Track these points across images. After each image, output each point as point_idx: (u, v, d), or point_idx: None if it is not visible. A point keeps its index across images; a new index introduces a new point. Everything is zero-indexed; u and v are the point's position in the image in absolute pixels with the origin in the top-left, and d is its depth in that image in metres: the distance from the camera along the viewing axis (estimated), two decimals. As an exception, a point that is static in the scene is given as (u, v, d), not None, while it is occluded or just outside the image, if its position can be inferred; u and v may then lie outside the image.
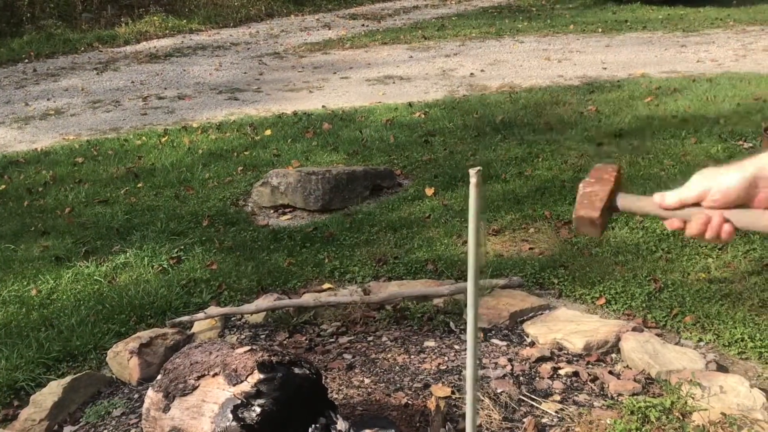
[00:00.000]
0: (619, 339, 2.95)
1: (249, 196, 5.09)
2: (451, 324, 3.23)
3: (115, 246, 4.33)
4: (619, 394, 2.66)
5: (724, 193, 1.15)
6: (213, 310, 3.40)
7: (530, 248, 3.95)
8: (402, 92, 8.07)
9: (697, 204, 1.18)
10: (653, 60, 8.94)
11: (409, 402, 2.66)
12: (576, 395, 2.69)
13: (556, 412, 2.59)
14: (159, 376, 2.34)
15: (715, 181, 1.16)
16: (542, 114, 6.61)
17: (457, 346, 3.07)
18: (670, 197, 1.19)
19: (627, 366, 2.84)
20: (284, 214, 4.82)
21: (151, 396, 2.29)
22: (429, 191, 4.86)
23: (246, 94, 8.59)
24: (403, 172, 5.36)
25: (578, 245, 3.93)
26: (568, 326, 3.07)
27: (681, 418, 2.47)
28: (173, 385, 2.24)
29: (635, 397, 2.61)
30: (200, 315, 3.35)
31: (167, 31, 13.65)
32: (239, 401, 2.11)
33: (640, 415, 2.48)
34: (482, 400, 2.63)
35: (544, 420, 2.55)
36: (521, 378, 2.81)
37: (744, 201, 1.15)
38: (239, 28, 14.19)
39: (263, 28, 14.03)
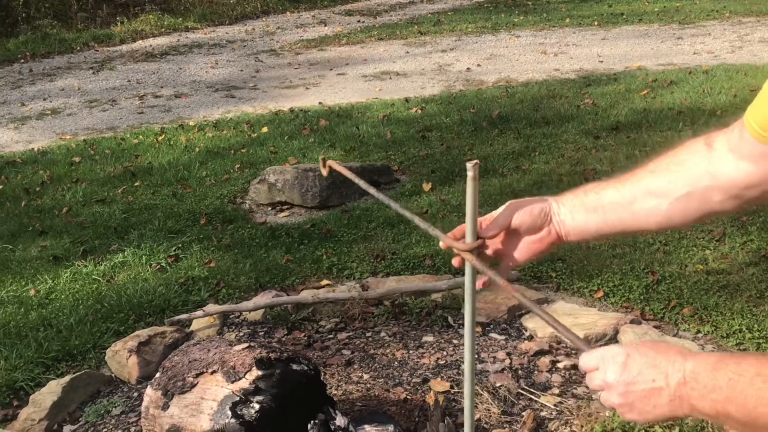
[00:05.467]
0: (617, 332, 2.96)
1: (246, 194, 5.09)
2: (450, 319, 3.24)
3: (113, 245, 4.33)
4: (618, 387, 2.66)
5: (521, 221, 1.27)
6: (211, 307, 3.40)
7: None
8: (398, 88, 8.07)
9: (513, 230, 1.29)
10: (649, 52, 8.93)
11: (408, 397, 2.66)
12: (575, 388, 2.70)
13: (555, 405, 2.59)
14: (158, 374, 2.35)
15: (521, 210, 1.28)
16: (539, 108, 6.60)
17: (455, 341, 3.07)
18: (491, 229, 1.27)
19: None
20: (282, 211, 4.82)
21: (150, 394, 2.29)
22: (426, 186, 4.86)
23: (242, 91, 8.58)
24: (400, 168, 5.36)
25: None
26: (566, 319, 3.07)
27: (679, 409, 2.47)
28: (172, 383, 2.24)
29: (634, 389, 2.61)
30: (199, 313, 3.35)
31: (163, 30, 13.62)
32: (238, 398, 2.11)
33: (638, 407, 2.48)
34: (481, 394, 2.63)
35: (543, 413, 2.56)
36: (520, 372, 2.82)
37: (534, 229, 1.28)
38: (235, 26, 14.16)
39: (259, 26, 14.01)
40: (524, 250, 1.31)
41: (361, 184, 1.37)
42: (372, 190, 1.36)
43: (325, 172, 1.42)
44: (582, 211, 1.26)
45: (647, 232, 1.30)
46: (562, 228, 1.28)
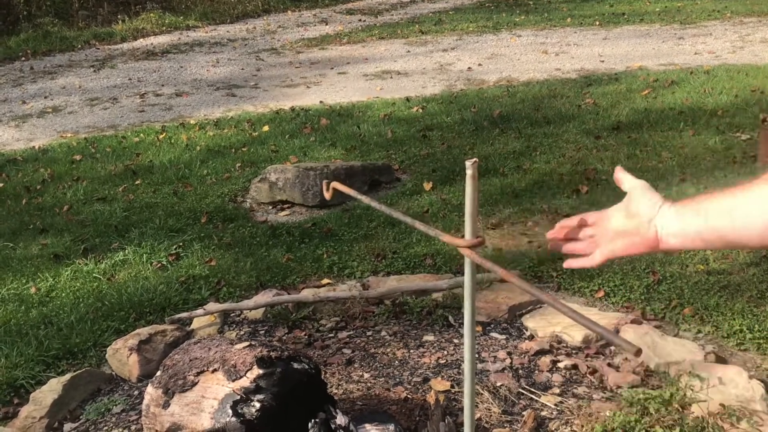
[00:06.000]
0: (618, 331, 2.95)
1: (247, 193, 5.09)
2: (450, 318, 3.24)
3: (113, 243, 4.33)
4: (618, 387, 2.66)
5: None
6: (212, 306, 3.40)
7: (528, 242, 3.96)
8: (399, 87, 8.07)
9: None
10: (651, 52, 8.93)
11: (409, 396, 2.66)
12: (575, 388, 2.70)
13: (556, 404, 2.59)
14: (158, 373, 2.35)
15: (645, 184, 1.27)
16: (540, 108, 6.60)
17: (456, 340, 3.07)
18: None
19: (626, 358, 2.84)
20: (282, 209, 4.82)
21: (151, 392, 2.29)
22: (427, 186, 4.85)
23: (243, 90, 8.58)
24: (401, 167, 5.36)
25: (577, 238, 3.93)
26: (567, 319, 3.06)
27: (680, 409, 2.47)
28: (173, 381, 2.24)
29: (634, 389, 2.61)
30: (199, 311, 3.36)
31: (164, 28, 13.62)
32: (238, 397, 2.11)
33: (639, 407, 2.48)
34: (481, 394, 2.63)
35: (543, 413, 2.56)
36: (520, 371, 2.82)
37: (639, 213, 1.25)
38: (236, 25, 14.16)
39: (260, 24, 14.01)
40: (619, 239, 1.26)
41: (364, 199, 1.39)
42: (374, 204, 1.39)
43: (328, 196, 1.48)
44: (688, 214, 1.19)
45: (749, 247, 1.16)
46: (664, 230, 1.21)
